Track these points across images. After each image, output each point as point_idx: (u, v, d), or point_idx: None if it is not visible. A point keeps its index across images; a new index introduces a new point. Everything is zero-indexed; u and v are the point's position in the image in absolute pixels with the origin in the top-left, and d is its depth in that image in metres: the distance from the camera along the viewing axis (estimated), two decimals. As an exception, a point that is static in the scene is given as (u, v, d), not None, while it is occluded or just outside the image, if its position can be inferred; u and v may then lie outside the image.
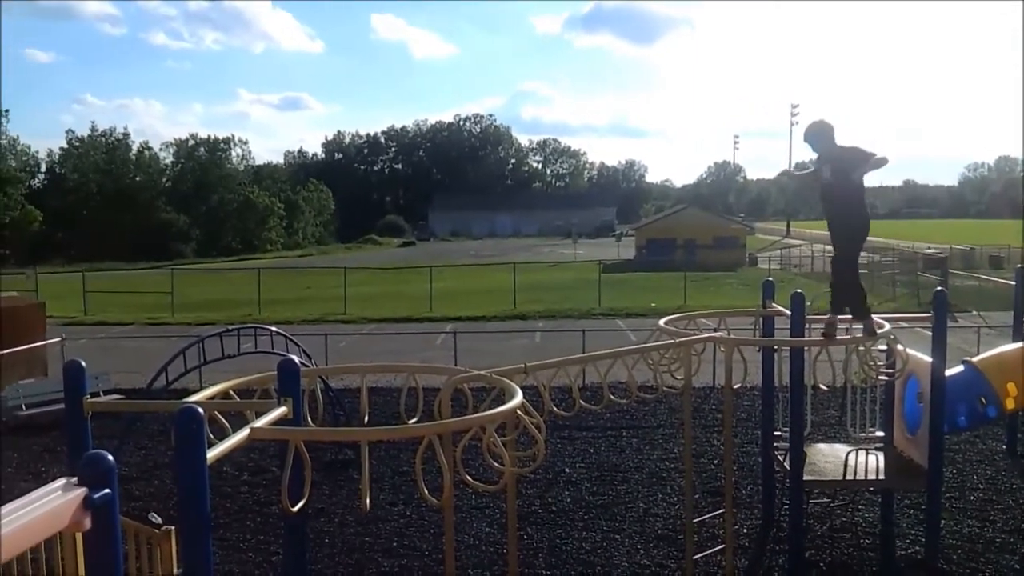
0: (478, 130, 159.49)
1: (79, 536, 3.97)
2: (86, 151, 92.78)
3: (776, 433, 9.34)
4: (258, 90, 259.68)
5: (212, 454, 3.73)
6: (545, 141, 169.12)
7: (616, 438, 13.66)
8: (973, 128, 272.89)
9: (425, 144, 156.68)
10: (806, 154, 7.87)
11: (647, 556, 9.10)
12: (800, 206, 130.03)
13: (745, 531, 9.73)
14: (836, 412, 13.81)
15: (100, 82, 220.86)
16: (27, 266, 51.30)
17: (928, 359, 8.28)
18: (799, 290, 8.68)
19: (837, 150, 7.35)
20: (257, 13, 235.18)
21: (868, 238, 7.77)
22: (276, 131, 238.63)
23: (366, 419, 6.03)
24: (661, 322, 7.95)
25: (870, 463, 8.76)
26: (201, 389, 5.80)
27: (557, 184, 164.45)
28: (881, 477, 8.63)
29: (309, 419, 5.50)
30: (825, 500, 10.24)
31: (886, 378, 8.43)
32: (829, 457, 9.09)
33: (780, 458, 8.96)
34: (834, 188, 7.39)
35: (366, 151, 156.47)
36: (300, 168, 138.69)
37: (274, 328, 13.51)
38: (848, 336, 7.94)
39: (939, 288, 9.13)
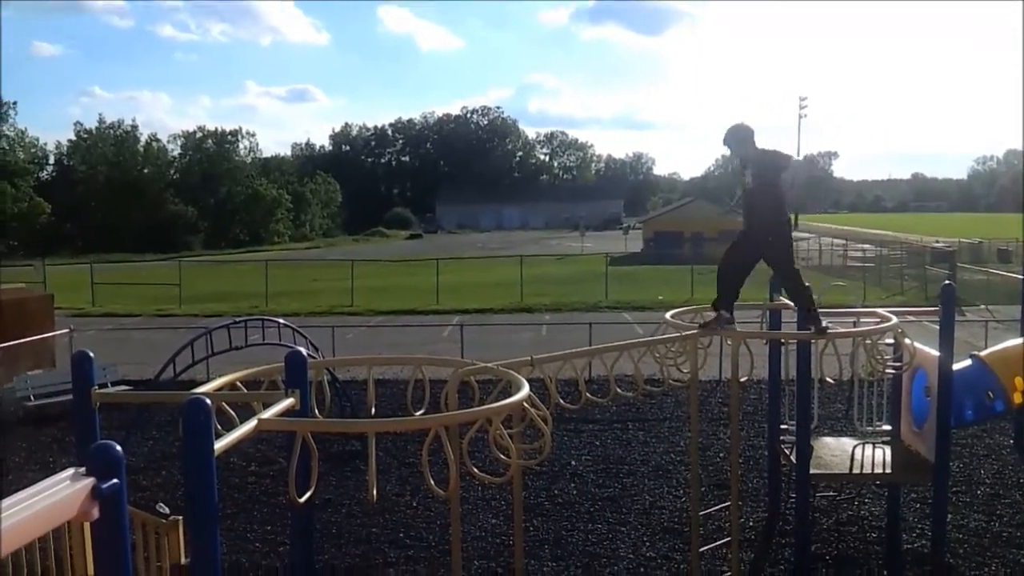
0: (485, 122, 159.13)
1: (87, 526, 3.99)
2: (94, 143, 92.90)
3: (782, 426, 9.33)
4: (265, 82, 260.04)
5: (220, 445, 3.74)
6: (552, 133, 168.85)
7: (622, 431, 13.67)
8: (982, 121, 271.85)
9: (432, 136, 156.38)
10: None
11: (653, 548, 9.11)
12: (807, 199, 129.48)
13: (751, 524, 9.74)
14: (842, 406, 13.79)
15: (108, 75, 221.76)
16: (35, 258, 51.38)
17: (935, 353, 8.25)
18: (807, 283, 8.67)
19: (757, 154, 7.16)
20: (264, 5, 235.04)
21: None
22: (283, 123, 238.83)
23: (373, 411, 6.05)
24: (668, 315, 7.93)
25: (877, 457, 8.74)
26: (208, 380, 5.81)
27: (564, 177, 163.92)
28: (888, 471, 8.62)
29: (316, 411, 5.52)
30: (831, 493, 10.24)
31: (893, 372, 8.41)
32: (836, 451, 9.08)
33: (786, 451, 8.96)
34: (755, 194, 7.20)
35: (373, 143, 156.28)
36: (307, 160, 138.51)
37: (281, 320, 13.56)
38: (855, 329, 7.91)
39: (947, 282, 9.08)
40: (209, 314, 28.46)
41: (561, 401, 6.29)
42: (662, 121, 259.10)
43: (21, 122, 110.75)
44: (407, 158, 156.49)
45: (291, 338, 12.64)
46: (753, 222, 7.32)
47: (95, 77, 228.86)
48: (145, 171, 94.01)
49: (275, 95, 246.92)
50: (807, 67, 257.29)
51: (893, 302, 28.27)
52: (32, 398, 15.31)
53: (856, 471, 8.57)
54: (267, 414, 4.54)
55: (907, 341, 7.89)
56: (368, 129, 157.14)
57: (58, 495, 2.66)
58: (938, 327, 8.33)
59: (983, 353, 9.07)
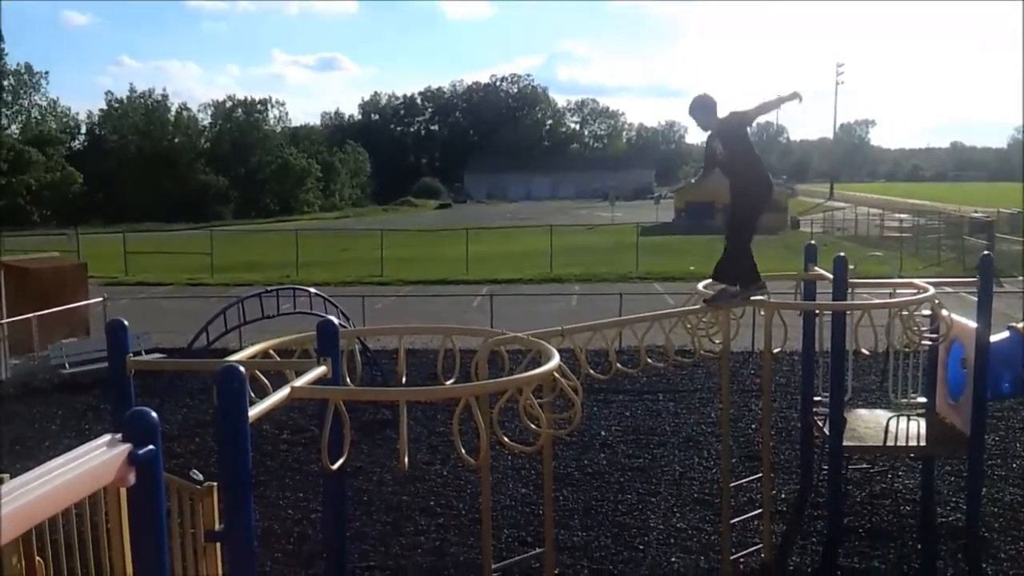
0: (515, 91, 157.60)
1: (123, 491, 4.03)
2: (125, 112, 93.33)
3: (816, 398, 9.25)
4: (293, 51, 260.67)
5: (253, 412, 3.75)
6: (583, 102, 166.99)
7: (653, 402, 13.63)
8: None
9: (461, 105, 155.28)
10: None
11: (683, 519, 9.10)
12: (844, 168, 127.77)
13: (783, 496, 9.69)
14: (877, 378, 13.65)
15: (137, 44, 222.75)
16: (68, 227, 52.09)
17: (973, 324, 8.12)
18: (842, 253, 8.55)
19: (718, 122, 7.14)
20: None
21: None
22: (312, 92, 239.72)
23: (404, 380, 6.06)
24: (699, 286, 7.85)
25: (911, 429, 8.66)
26: (241, 349, 5.84)
27: (595, 146, 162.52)
28: (922, 444, 8.54)
29: (348, 379, 5.53)
30: (864, 466, 10.16)
31: (929, 343, 8.30)
32: (869, 423, 9.00)
33: (819, 423, 8.89)
34: (730, 160, 7.20)
35: (402, 112, 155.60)
36: (337, 130, 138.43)
37: (312, 289, 13.60)
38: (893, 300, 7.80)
39: (985, 252, 8.93)
40: (240, 283, 28.66)
41: (591, 371, 6.27)
42: (695, 88, 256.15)
43: (52, 92, 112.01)
44: (436, 127, 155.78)
45: (322, 307, 12.68)
46: (735, 184, 7.36)
47: (124, 47, 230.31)
48: (176, 141, 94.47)
49: (303, 64, 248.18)
50: (845, 32, 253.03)
51: (930, 273, 27.89)
52: (67, 366, 15.52)
53: (890, 443, 8.50)
54: (300, 382, 4.56)
55: (944, 312, 7.76)
56: (397, 98, 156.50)
57: (95, 461, 2.68)
58: (976, 298, 8.20)
59: (1021, 325, 8.92)
